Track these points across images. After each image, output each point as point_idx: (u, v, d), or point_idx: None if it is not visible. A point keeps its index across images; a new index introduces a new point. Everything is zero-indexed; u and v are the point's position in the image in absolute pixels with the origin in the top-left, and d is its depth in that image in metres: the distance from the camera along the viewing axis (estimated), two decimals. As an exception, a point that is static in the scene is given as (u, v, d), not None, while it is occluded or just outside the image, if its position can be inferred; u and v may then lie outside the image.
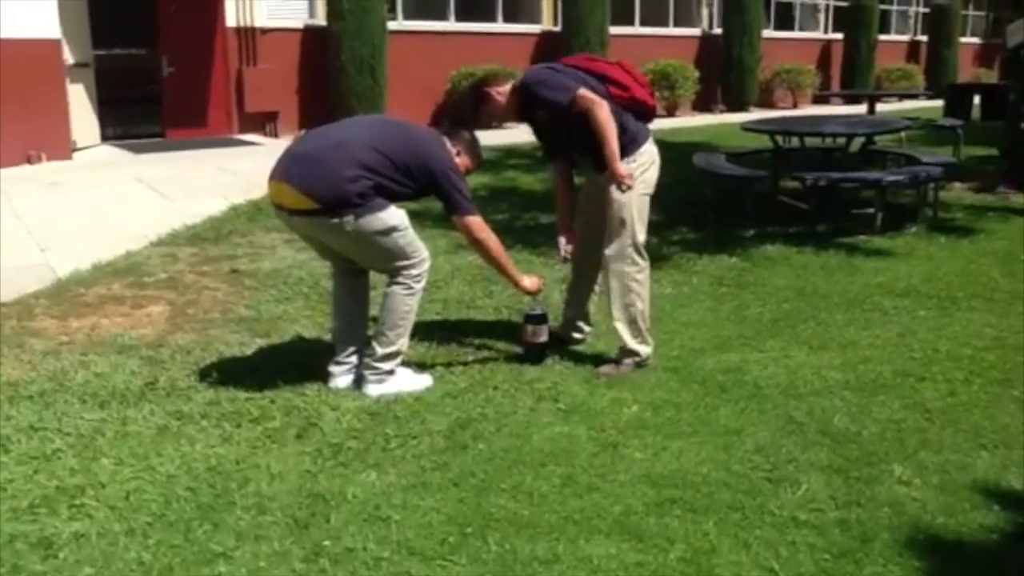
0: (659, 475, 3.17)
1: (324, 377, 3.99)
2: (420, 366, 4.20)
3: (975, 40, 26.44)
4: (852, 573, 2.60)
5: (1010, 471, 3.20)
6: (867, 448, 3.38)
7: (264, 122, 13.41)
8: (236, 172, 9.98)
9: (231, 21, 12.95)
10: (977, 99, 17.04)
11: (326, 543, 2.74)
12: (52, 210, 8.14)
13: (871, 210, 7.30)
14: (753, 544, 2.73)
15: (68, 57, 11.27)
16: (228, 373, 4.16)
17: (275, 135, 13.35)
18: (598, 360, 4.31)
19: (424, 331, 4.77)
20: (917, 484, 3.10)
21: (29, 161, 10.52)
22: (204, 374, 4.16)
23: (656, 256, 6.37)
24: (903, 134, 9.66)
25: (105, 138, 12.41)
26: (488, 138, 14.22)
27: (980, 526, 2.85)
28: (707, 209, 7.87)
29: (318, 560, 2.66)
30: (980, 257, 6.40)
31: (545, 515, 2.90)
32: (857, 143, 8.48)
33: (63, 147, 10.98)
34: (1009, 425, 3.59)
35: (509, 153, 11.73)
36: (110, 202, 8.55)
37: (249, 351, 4.49)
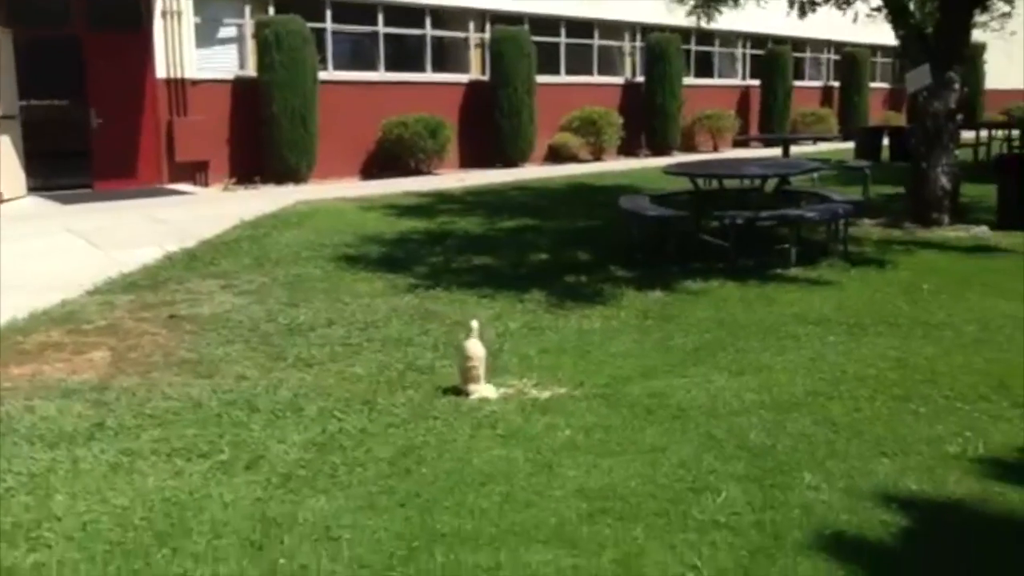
0: (591, 489, 3.41)
1: (271, 413, 4.14)
2: (364, 401, 4.39)
3: (884, 85, 27.79)
4: (766, 566, 2.86)
5: (908, 475, 3.52)
6: (780, 459, 3.68)
7: (195, 172, 13.47)
8: (168, 221, 10.05)
9: (161, 73, 13.05)
10: (886, 141, 17.98)
11: (281, 561, 2.91)
12: (-17, 262, 8.09)
13: (786, 246, 7.73)
14: (678, 545, 2.98)
15: (-6, 109, 11.24)
16: (174, 412, 4.29)
17: (206, 184, 13.42)
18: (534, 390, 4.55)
19: (365, 367, 4.97)
20: (825, 489, 3.40)
21: (-45, 214, 10.41)
22: (151, 414, 4.27)
23: (586, 293, 6.74)
24: (816, 175, 10.21)
25: (32, 189, 12.32)
26: (420, 184, 14.49)
27: (880, 522, 3.15)
28: (634, 249, 8.22)
29: (274, 577, 2.83)
30: (886, 287, 6.84)
31: (487, 528, 3.11)
32: (772, 184, 8.96)
33: (-10, 199, 10.90)
34: (908, 435, 3.93)
35: (440, 198, 12.02)
36: (42, 253, 8.53)
37: (193, 391, 4.60)
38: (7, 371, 4.99)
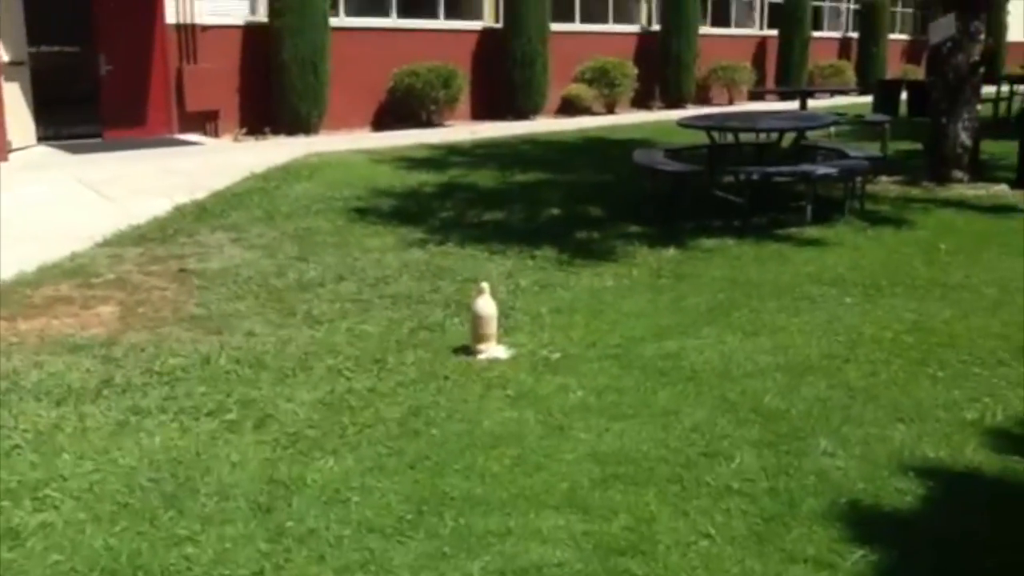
0: (603, 453, 3.37)
1: (280, 371, 4.10)
2: (374, 360, 4.35)
3: (904, 36, 27.26)
4: (781, 534, 2.82)
5: (924, 441, 3.47)
6: (795, 424, 3.62)
7: (205, 121, 13.33)
8: (178, 172, 9.96)
9: (171, 18, 12.84)
10: (904, 95, 17.63)
11: (289, 524, 2.88)
12: (-8, 212, 8.05)
13: (802, 203, 7.61)
14: (691, 512, 2.94)
15: (2, 55, 11.11)
16: (183, 369, 4.25)
17: (216, 134, 13.29)
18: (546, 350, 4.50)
19: (375, 324, 4.92)
20: (841, 455, 3.35)
21: (-36, 162, 10.35)
22: (159, 371, 4.24)
23: (599, 250, 6.65)
24: (832, 129, 10.03)
25: (41, 138, 12.23)
26: (431, 136, 14.34)
27: (896, 490, 3.10)
28: (647, 204, 8.11)
29: (282, 540, 2.80)
30: (903, 247, 6.73)
31: (497, 492, 3.07)
32: (788, 138, 8.80)
33: (-1, 148, 10.81)
34: (924, 400, 3.87)
35: (452, 151, 11.89)
36: (51, 203, 8.48)
37: (202, 348, 4.57)
38: (15, 325, 4.97)
